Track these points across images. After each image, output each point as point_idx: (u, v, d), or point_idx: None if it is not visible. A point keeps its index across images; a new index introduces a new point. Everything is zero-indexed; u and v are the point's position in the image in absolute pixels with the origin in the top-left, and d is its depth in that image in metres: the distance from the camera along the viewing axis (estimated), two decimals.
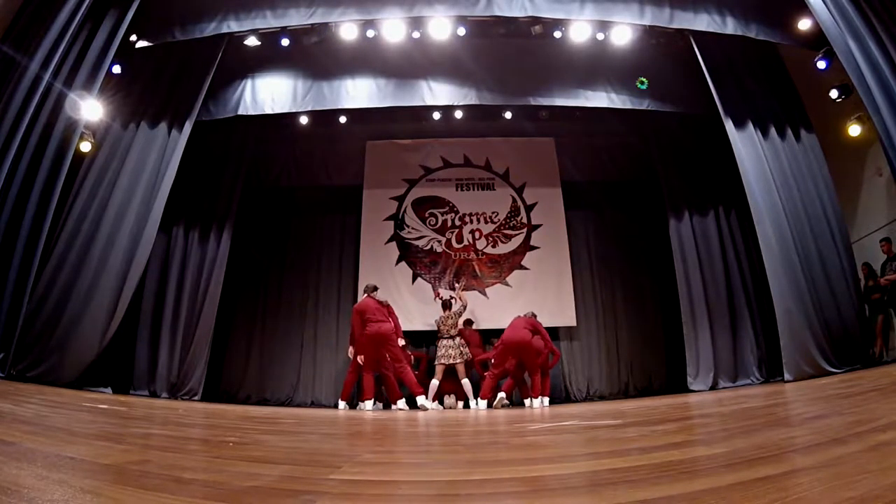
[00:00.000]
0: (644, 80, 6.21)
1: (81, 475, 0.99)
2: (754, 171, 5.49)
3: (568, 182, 7.86)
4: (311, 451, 1.68)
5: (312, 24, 5.70)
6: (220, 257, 6.38)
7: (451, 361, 6.16)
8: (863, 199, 6.21)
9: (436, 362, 6.28)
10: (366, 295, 5.44)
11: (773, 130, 5.79)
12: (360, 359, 5.20)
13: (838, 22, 4.93)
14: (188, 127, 5.61)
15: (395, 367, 5.12)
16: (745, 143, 5.61)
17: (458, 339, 6.30)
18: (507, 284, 7.38)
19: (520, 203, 7.86)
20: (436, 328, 6.52)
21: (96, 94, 4.98)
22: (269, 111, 6.33)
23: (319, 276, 7.65)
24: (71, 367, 4.65)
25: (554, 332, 6.87)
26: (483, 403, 5.44)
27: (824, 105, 6.02)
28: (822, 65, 5.72)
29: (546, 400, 5.72)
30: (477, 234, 7.72)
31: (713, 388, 5.84)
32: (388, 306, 5.41)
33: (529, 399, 5.51)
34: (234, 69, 6.26)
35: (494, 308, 7.12)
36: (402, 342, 5.41)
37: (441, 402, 6.23)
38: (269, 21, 5.66)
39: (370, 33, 5.89)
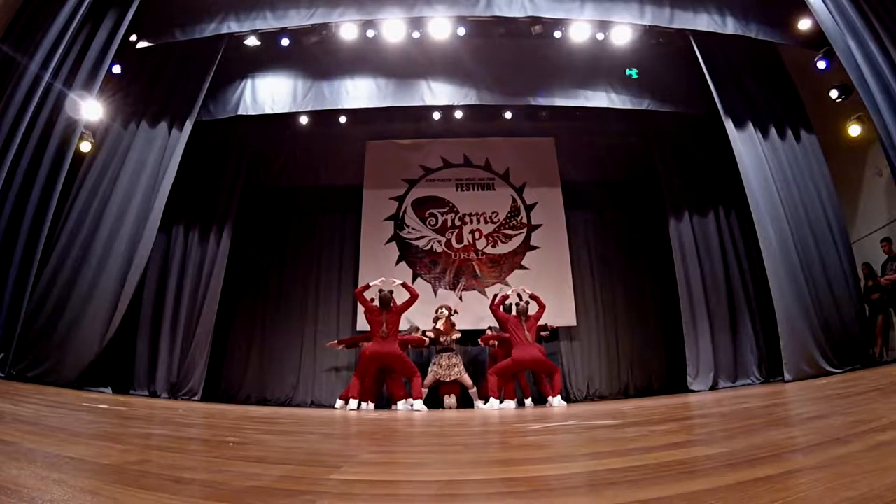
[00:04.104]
0: (633, 70, 6.18)
1: (81, 475, 0.99)
2: (754, 171, 5.49)
3: (568, 182, 7.86)
4: (311, 451, 1.67)
5: (312, 24, 5.70)
6: (220, 257, 6.37)
7: (457, 377, 6.08)
8: (863, 199, 6.20)
9: (437, 377, 6.10)
10: (386, 311, 5.06)
11: (773, 130, 5.79)
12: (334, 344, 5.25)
13: (838, 22, 4.93)
14: (188, 127, 5.61)
15: (411, 380, 5.07)
16: (745, 143, 5.61)
17: (455, 354, 6.26)
18: (507, 284, 7.37)
19: (520, 203, 7.86)
20: (433, 337, 6.33)
21: (96, 94, 4.98)
22: (269, 111, 6.33)
23: (319, 276, 7.65)
24: (71, 367, 4.65)
25: (553, 332, 6.87)
26: (494, 402, 5.13)
27: (824, 105, 6.02)
28: (822, 65, 5.72)
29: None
30: (477, 234, 7.71)
31: (713, 388, 5.84)
32: (393, 308, 5.14)
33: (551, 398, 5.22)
34: (234, 69, 6.26)
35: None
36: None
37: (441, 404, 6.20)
38: (269, 21, 5.67)
39: (370, 33, 5.90)
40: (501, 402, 5.20)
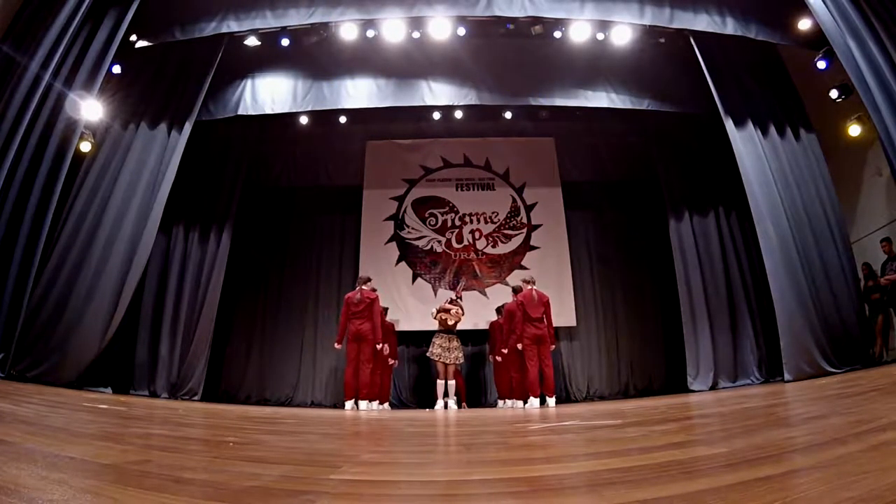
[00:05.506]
0: None
1: (81, 475, 0.99)
2: (754, 171, 5.49)
3: (568, 182, 7.86)
4: (310, 451, 1.67)
5: (312, 24, 5.70)
6: (220, 257, 6.38)
7: (456, 363, 5.99)
8: (863, 199, 6.21)
9: (436, 360, 6.01)
10: (357, 287, 5.38)
11: (773, 130, 5.79)
12: (336, 345, 5.38)
13: (838, 22, 4.93)
14: (188, 127, 5.61)
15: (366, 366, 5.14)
16: (746, 143, 5.61)
17: (458, 339, 6.15)
18: (507, 284, 7.37)
19: (520, 203, 7.86)
20: (437, 320, 6.20)
21: (96, 94, 4.98)
22: (269, 111, 6.34)
23: (319, 276, 7.65)
24: (71, 367, 4.66)
25: (553, 333, 6.85)
26: (536, 401, 5.07)
27: (824, 105, 6.02)
28: (822, 65, 5.72)
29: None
30: (477, 234, 7.71)
31: (713, 388, 5.84)
32: (372, 301, 5.26)
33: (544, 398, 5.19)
34: (234, 69, 6.26)
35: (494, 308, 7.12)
36: (380, 346, 5.25)
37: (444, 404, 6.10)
38: (269, 21, 5.67)
39: (370, 33, 5.90)
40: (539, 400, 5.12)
